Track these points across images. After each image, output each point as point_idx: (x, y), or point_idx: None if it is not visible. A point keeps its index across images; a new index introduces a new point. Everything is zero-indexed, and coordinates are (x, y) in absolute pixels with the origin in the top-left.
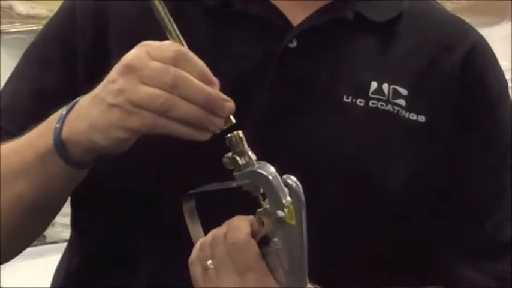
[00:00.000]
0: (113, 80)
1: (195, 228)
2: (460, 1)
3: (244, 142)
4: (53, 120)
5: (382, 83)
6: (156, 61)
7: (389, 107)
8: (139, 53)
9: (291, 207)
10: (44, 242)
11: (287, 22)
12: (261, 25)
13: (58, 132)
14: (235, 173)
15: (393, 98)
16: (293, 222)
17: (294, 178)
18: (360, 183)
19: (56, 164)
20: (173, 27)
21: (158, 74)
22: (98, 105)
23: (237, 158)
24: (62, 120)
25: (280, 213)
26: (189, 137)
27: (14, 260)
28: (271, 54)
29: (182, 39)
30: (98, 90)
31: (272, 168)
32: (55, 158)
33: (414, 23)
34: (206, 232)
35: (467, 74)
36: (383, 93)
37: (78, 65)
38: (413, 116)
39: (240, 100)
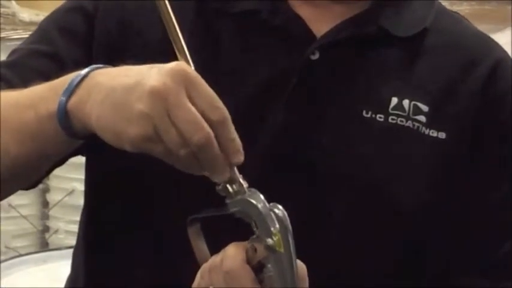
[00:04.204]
0: (140, 97)
1: (201, 250)
2: (463, 8)
3: (235, 170)
4: (60, 84)
5: (402, 99)
6: (191, 103)
7: (409, 123)
8: (176, 84)
9: (279, 235)
10: (47, 249)
11: (310, 34)
12: (285, 35)
13: (64, 103)
14: (227, 201)
15: (413, 114)
16: (282, 250)
17: (280, 207)
18: (377, 199)
19: (54, 130)
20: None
21: (191, 126)
22: (116, 106)
23: (228, 186)
24: (71, 91)
25: (269, 240)
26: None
27: (17, 266)
28: (293, 65)
29: (190, 60)
30: (121, 83)
31: (261, 197)
32: (55, 123)
33: (438, 39)
34: (212, 253)
35: (490, 91)
36: (403, 109)
37: (93, 45)
38: (433, 133)
39: (259, 110)
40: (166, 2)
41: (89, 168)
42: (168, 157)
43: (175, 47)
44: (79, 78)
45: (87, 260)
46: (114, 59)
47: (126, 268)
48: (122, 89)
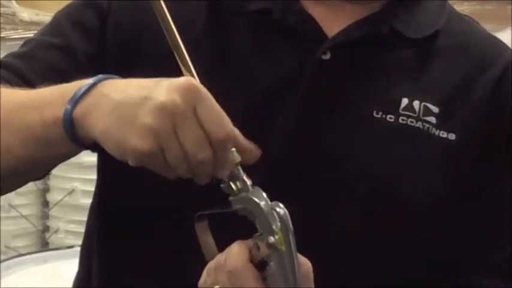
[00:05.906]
0: (148, 112)
1: (208, 246)
2: (463, 8)
3: (239, 167)
4: (67, 91)
5: (413, 100)
6: (198, 121)
7: (419, 124)
8: (185, 102)
9: (280, 233)
10: (47, 249)
11: (322, 34)
12: (297, 35)
13: (69, 111)
14: (231, 198)
15: (423, 115)
16: (283, 248)
17: (281, 205)
18: (387, 199)
19: (59, 135)
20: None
21: (196, 145)
22: (123, 119)
23: (231, 183)
24: (76, 100)
25: (271, 238)
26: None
27: (17, 266)
28: (304, 65)
29: (193, 70)
30: (129, 97)
31: (264, 195)
32: (59, 129)
33: (450, 40)
34: (220, 250)
35: (499, 94)
36: (413, 110)
37: (106, 42)
38: (443, 134)
39: (269, 109)
40: (169, 17)
41: (101, 165)
42: (164, 170)
43: (177, 59)
44: (85, 87)
45: (102, 259)
46: (126, 59)
47: (140, 266)
48: (130, 103)
